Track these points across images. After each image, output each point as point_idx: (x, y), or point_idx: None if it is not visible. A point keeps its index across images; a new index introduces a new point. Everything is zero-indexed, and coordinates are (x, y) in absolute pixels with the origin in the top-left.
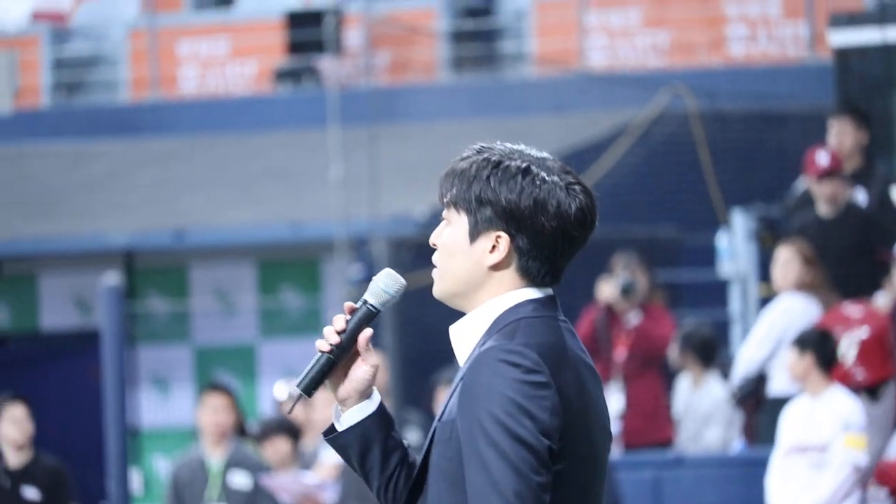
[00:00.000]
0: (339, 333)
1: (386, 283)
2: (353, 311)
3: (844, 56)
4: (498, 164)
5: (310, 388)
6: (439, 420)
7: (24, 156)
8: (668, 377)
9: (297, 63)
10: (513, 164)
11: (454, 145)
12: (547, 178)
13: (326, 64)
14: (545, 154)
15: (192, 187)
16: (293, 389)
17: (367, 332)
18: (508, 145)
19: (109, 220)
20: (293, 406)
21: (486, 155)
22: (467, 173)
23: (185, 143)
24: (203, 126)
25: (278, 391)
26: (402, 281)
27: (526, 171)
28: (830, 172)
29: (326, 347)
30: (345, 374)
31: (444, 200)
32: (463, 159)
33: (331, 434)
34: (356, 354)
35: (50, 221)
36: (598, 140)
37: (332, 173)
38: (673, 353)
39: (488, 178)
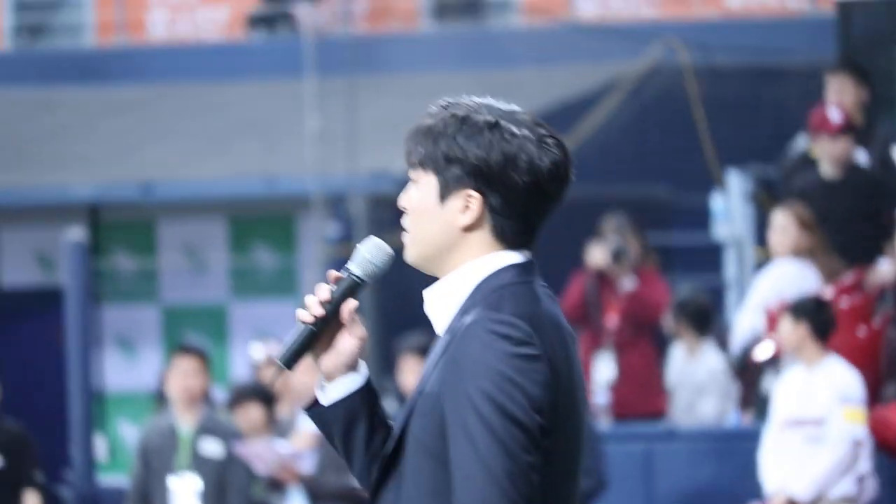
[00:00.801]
0: (323, 304)
1: (372, 253)
2: (337, 280)
3: (847, 9)
4: (465, 119)
5: (291, 361)
6: (419, 391)
7: None
8: (661, 345)
9: (272, 9)
10: (480, 118)
11: (435, 98)
12: (517, 132)
13: (302, 10)
14: (515, 107)
15: (161, 138)
16: (274, 360)
17: (352, 304)
18: (476, 99)
19: (73, 172)
20: (274, 378)
21: (452, 110)
22: (433, 130)
23: (153, 92)
24: (172, 74)
25: (255, 352)
26: (389, 250)
27: (494, 126)
28: (843, 129)
29: (309, 318)
30: (330, 346)
31: (411, 161)
32: (429, 116)
33: (314, 408)
34: (340, 326)
35: (10, 173)
36: (586, 95)
37: (308, 126)
38: (667, 320)
39: (455, 134)
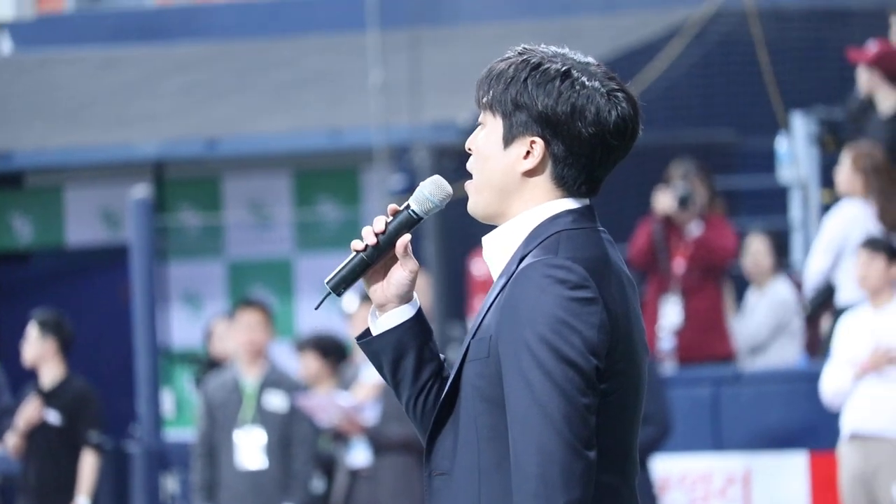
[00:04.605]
0: (377, 235)
1: (431, 191)
2: (394, 213)
3: None
4: (537, 66)
5: (339, 287)
6: (473, 336)
7: (48, 63)
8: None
9: None
10: (552, 67)
11: (499, 48)
12: (587, 83)
13: None
14: (590, 59)
15: (225, 95)
16: (323, 287)
17: (406, 237)
18: (553, 48)
19: (138, 130)
20: (320, 303)
21: (526, 57)
22: (505, 75)
23: (216, 49)
24: (235, 30)
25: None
26: (449, 189)
27: (565, 75)
28: (873, 63)
29: (361, 246)
30: (383, 278)
31: (481, 103)
32: (502, 60)
33: (364, 337)
34: (394, 259)
35: (75, 132)
36: (650, 41)
37: (372, 78)
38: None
39: (526, 80)
